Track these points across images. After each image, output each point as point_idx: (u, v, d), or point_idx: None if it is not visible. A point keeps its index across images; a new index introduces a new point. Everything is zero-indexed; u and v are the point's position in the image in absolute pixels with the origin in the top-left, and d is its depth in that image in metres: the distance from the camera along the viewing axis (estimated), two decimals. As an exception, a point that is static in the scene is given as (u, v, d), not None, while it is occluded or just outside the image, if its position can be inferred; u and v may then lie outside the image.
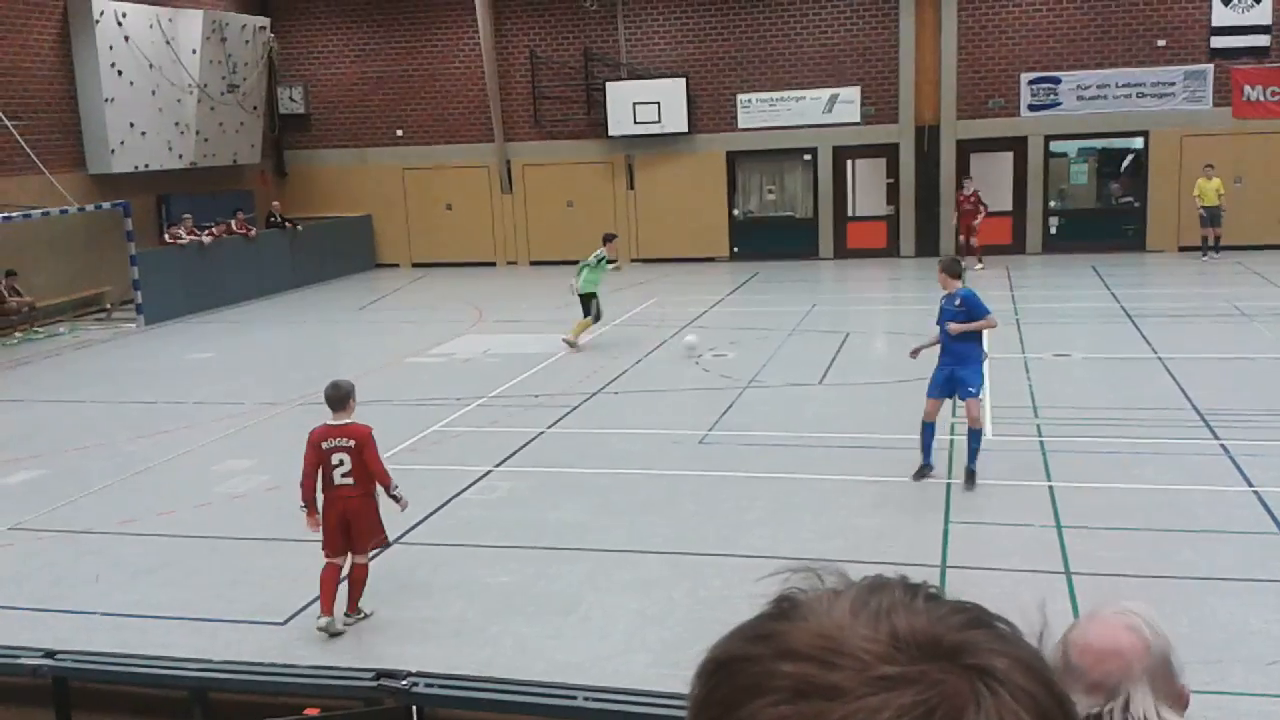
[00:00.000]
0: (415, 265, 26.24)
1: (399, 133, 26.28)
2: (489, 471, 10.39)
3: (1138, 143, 23.30)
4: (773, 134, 24.39)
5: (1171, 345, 14.19)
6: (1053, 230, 23.72)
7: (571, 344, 15.67)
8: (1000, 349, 14.77)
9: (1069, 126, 23.24)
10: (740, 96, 24.46)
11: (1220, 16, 22.30)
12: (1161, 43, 22.55)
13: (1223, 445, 10.06)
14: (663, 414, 12.42)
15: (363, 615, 7.36)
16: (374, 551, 7.50)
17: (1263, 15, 22.16)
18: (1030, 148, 23.46)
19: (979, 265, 20.86)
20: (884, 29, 23.69)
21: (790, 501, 9.33)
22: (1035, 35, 23.12)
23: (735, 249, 25.02)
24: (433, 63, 25.93)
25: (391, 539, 8.83)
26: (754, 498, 9.45)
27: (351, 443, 7.01)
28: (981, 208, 21.97)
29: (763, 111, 24.40)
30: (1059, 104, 23.15)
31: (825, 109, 24.02)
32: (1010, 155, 23.61)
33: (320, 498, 7.17)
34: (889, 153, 24.02)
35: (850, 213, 24.58)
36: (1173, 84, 22.68)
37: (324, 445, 7.04)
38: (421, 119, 26.15)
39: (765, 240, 24.72)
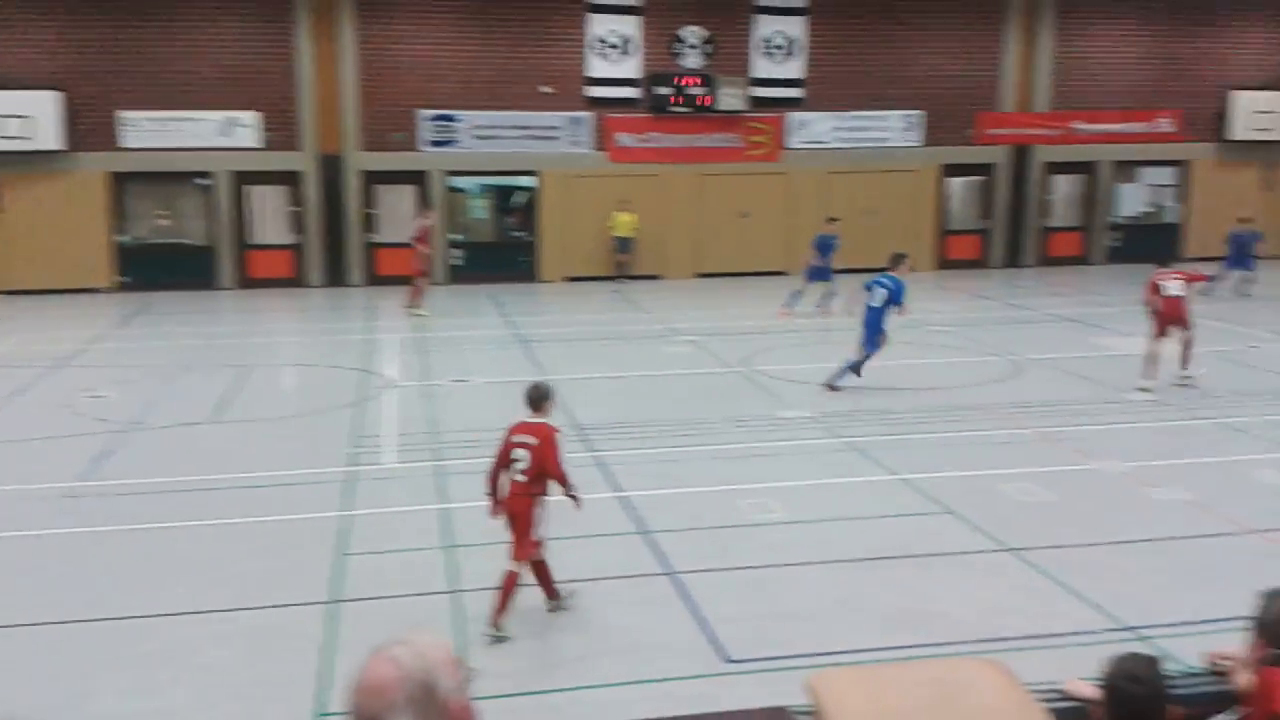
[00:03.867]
0: None
1: None
2: None
3: (530, 181, 24.92)
4: (164, 156, 22.78)
5: (560, 367, 15.21)
6: (455, 262, 24.61)
7: None
8: (403, 377, 14.92)
9: (467, 163, 24.27)
10: (125, 114, 22.55)
11: (595, 68, 24.58)
12: (546, 89, 24.33)
13: (594, 456, 10.90)
14: (18, 467, 10.89)
15: (498, 635, 6.93)
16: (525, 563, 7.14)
17: (633, 69, 24.77)
18: (432, 182, 24.17)
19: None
20: (281, 55, 23.13)
21: (173, 552, 8.57)
22: (434, 75, 23.87)
23: (124, 279, 22.98)
24: None
25: None
26: (131, 553, 8.56)
27: (535, 441, 7.07)
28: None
29: (153, 131, 22.70)
30: (457, 141, 24.10)
31: (221, 132, 22.90)
32: (413, 188, 24.15)
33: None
34: (293, 180, 23.48)
35: (251, 240, 23.66)
36: (557, 128, 24.58)
37: (513, 439, 7.17)
38: None
39: (159, 269, 23.00)
